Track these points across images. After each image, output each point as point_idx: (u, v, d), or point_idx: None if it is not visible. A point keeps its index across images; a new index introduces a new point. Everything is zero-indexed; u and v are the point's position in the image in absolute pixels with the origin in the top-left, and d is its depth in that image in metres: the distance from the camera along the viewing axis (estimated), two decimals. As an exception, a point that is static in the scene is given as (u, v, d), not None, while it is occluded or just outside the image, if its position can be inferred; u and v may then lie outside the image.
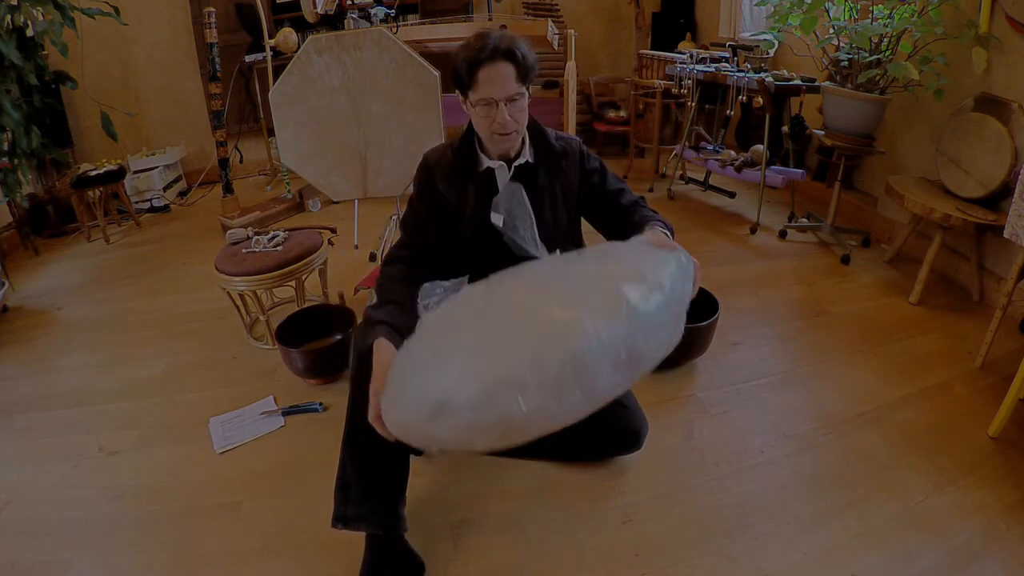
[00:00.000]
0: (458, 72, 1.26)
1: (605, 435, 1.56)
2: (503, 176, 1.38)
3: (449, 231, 1.42)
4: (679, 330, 1.04)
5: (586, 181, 1.45)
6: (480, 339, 0.85)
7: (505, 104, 1.25)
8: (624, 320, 0.87)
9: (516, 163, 1.38)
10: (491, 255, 1.30)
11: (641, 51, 4.46)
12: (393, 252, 1.41)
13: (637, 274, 0.96)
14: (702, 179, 3.85)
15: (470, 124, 1.38)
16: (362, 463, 1.28)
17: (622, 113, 4.48)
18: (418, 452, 1.63)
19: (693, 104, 3.50)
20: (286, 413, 1.86)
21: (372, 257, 2.84)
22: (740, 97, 3.15)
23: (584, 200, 1.47)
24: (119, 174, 3.44)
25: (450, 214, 1.41)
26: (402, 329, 1.14)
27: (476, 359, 0.83)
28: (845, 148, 2.78)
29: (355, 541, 1.34)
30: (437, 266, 1.38)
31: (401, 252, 1.39)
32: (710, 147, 3.67)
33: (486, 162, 1.38)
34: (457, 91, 1.32)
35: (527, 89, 1.30)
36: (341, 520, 1.28)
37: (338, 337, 2.07)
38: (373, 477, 1.28)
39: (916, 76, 2.41)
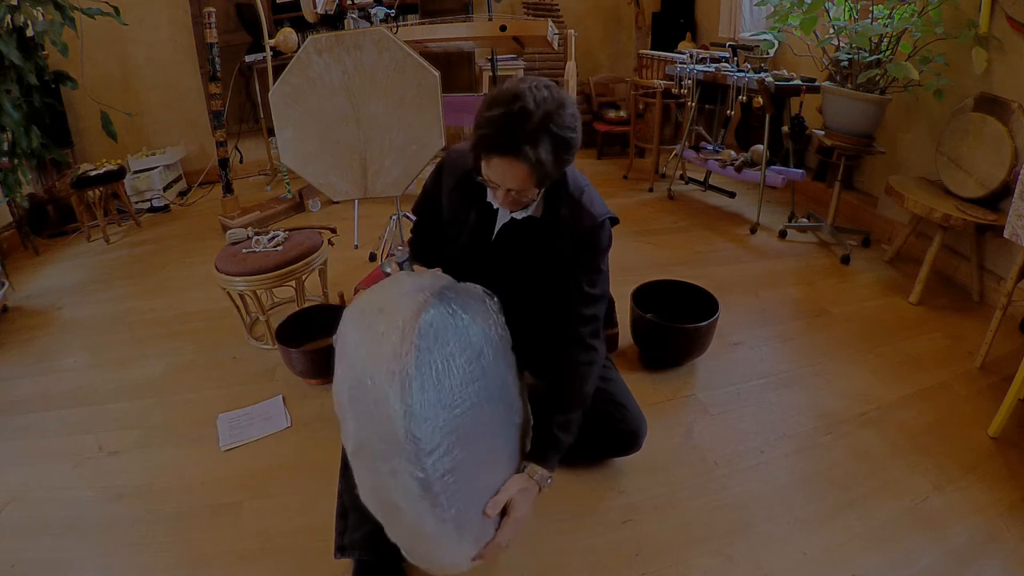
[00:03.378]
0: (475, 138, 1.10)
1: (603, 437, 1.53)
2: (502, 218, 1.31)
3: (441, 238, 1.40)
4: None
5: (570, 257, 1.29)
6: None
7: (509, 191, 1.13)
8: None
9: (515, 215, 1.27)
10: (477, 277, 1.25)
11: (641, 51, 4.46)
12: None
13: None
14: (702, 179, 3.85)
15: None
16: (356, 490, 1.28)
17: (622, 113, 4.48)
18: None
19: (693, 104, 3.50)
20: None
21: (372, 257, 2.84)
22: (740, 97, 3.15)
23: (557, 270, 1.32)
24: (119, 174, 3.43)
25: (446, 225, 1.37)
26: None
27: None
28: (845, 148, 2.78)
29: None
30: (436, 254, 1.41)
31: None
32: (710, 147, 3.67)
33: (491, 196, 1.27)
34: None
35: (545, 184, 1.15)
36: (340, 549, 1.29)
37: (338, 337, 2.07)
38: None
39: (916, 76, 2.41)
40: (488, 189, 1.25)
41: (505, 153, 1.06)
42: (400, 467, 0.93)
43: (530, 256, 1.31)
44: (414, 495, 0.95)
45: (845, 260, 2.83)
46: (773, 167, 3.20)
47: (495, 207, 1.28)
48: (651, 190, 3.92)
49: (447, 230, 1.38)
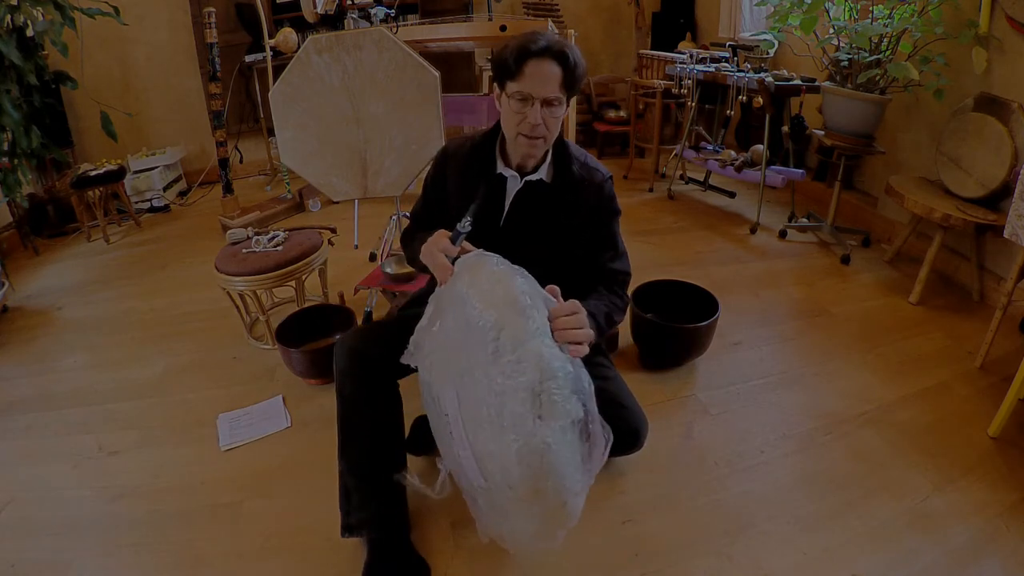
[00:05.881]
0: (504, 60, 1.19)
1: None
2: (513, 188, 1.33)
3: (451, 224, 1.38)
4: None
5: (590, 219, 1.36)
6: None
7: (542, 105, 1.19)
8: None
9: (529, 177, 1.31)
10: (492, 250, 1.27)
11: (641, 51, 4.46)
12: (406, 230, 1.48)
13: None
14: (702, 179, 3.85)
15: (497, 123, 1.33)
16: (358, 470, 1.30)
17: (622, 113, 4.48)
18: (416, 452, 1.64)
19: (693, 104, 3.50)
20: None
21: (372, 257, 2.84)
22: (740, 97, 3.15)
23: (575, 232, 1.38)
24: (119, 174, 3.43)
25: (454, 208, 1.36)
26: None
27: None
28: (845, 148, 2.78)
29: (356, 541, 1.35)
30: None
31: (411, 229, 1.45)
32: (710, 147, 3.67)
33: (500, 167, 1.32)
34: (495, 84, 1.27)
35: (568, 99, 1.24)
36: (347, 529, 1.32)
37: (338, 337, 2.07)
38: (370, 482, 1.30)
39: (916, 76, 2.41)
40: (497, 160, 1.32)
41: (544, 53, 1.17)
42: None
43: (545, 221, 1.34)
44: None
45: (845, 260, 2.83)
46: (773, 167, 3.20)
47: (505, 176, 1.32)
48: (651, 190, 3.92)
49: (455, 213, 1.36)
